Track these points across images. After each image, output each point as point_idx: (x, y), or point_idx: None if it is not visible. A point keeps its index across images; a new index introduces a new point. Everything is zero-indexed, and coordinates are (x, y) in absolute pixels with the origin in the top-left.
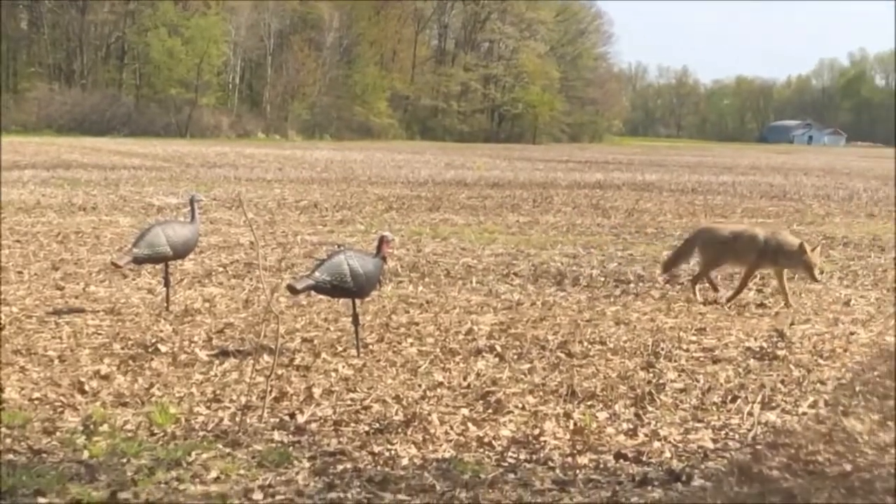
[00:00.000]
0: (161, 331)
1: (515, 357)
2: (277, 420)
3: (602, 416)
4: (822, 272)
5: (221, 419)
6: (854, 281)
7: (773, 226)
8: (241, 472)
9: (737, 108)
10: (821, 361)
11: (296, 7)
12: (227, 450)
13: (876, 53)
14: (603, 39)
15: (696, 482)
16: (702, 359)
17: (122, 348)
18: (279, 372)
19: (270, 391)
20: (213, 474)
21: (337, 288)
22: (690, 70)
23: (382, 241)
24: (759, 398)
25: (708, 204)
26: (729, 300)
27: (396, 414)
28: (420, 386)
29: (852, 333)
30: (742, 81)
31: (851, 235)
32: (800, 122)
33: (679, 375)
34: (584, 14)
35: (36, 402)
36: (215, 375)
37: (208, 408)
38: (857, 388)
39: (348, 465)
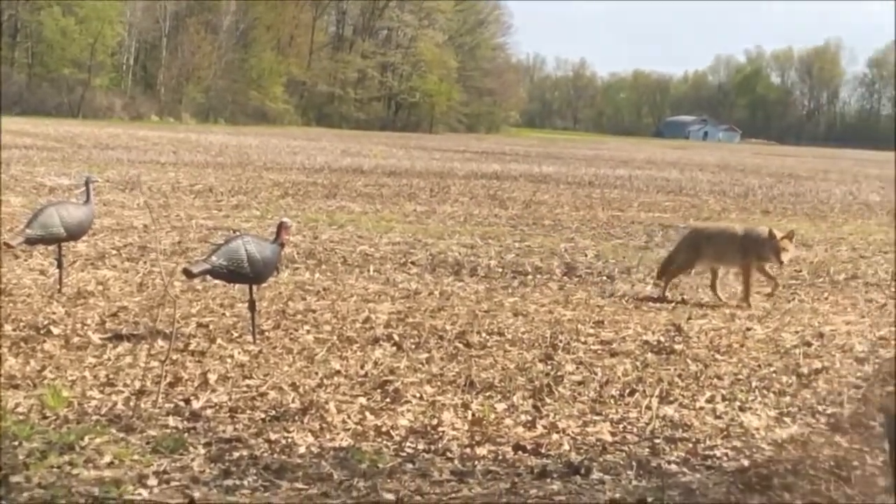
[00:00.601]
0: (53, 313)
1: (413, 346)
2: (172, 405)
3: (500, 407)
4: (790, 261)
5: (115, 403)
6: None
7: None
8: (136, 457)
9: (633, 102)
10: (718, 356)
11: None
12: (121, 435)
13: (772, 51)
14: (502, 30)
15: (595, 475)
16: (600, 352)
17: (14, 330)
18: (174, 357)
19: (165, 376)
20: (107, 459)
21: (234, 273)
22: (588, 63)
23: (281, 227)
24: (656, 392)
25: (605, 197)
26: (743, 300)
27: (293, 402)
28: (317, 374)
29: (748, 329)
30: (639, 75)
31: None
32: (696, 118)
33: (577, 368)
34: (484, 4)
35: None
36: (109, 359)
37: (102, 392)
38: (754, 384)
39: (244, 453)
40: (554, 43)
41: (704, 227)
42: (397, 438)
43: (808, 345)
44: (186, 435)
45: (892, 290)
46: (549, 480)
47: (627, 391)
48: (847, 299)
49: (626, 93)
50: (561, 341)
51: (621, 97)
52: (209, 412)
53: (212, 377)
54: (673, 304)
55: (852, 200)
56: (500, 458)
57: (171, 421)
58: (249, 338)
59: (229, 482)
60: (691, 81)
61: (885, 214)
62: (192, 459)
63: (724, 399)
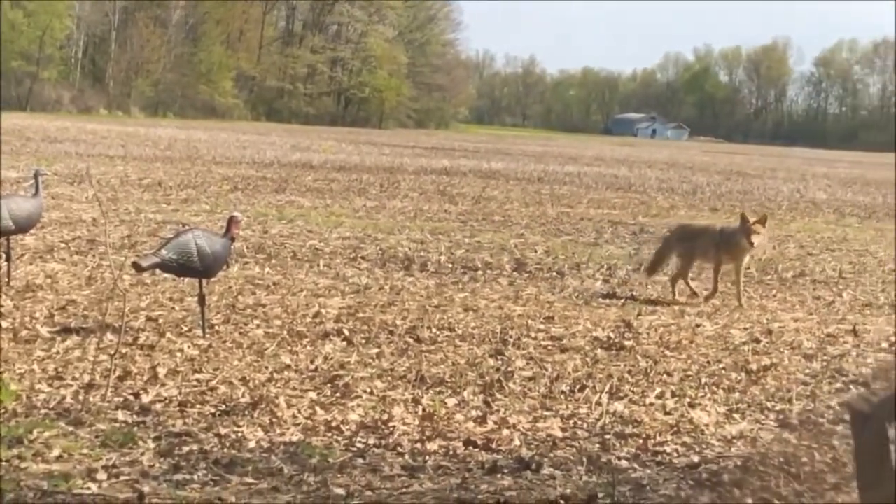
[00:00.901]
0: (1, 306)
1: (363, 341)
2: (121, 399)
3: (451, 402)
4: (759, 244)
5: (64, 397)
6: (699, 273)
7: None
8: (85, 451)
9: (582, 100)
10: (667, 352)
11: None
12: (70, 428)
13: (720, 49)
14: (452, 26)
15: (546, 470)
16: (550, 347)
17: None
18: (123, 351)
19: (114, 370)
20: (56, 453)
21: (183, 267)
22: (537, 60)
23: (231, 221)
24: (606, 388)
25: (554, 193)
26: (707, 298)
27: (243, 396)
28: (267, 368)
29: (698, 325)
30: (588, 73)
31: None
32: (644, 115)
33: (528, 363)
34: (434, 1)
35: None
36: (58, 353)
37: (50, 385)
38: (703, 381)
39: (194, 447)
40: (504, 40)
41: (690, 223)
42: (347, 433)
43: (757, 342)
44: (136, 429)
45: (840, 287)
46: (499, 476)
47: (577, 387)
48: (795, 296)
49: (575, 90)
50: (511, 337)
51: (570, 94)
52: (158, 406)
53: (161, 371)
54: (622, 301)
55: (800, 198)
56: (451, 453)
57: (121, 415)
58: (199, 332)
59: (179, 476)
60: (640, 79)
61: (832, 212)
62: (142, 454)
63: (673, 395)
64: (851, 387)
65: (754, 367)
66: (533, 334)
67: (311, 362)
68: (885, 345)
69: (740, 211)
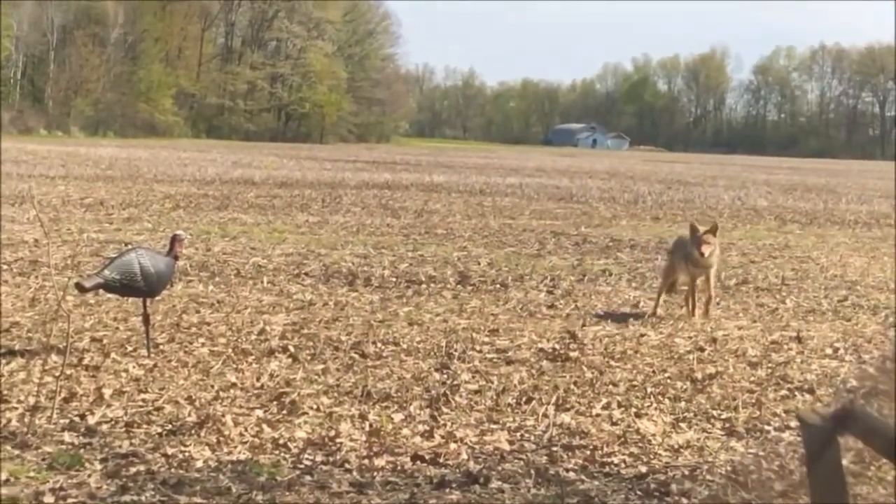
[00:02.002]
0: None
1: (309, 358)
2: (67, 421)
3: (398, 417)
4: (710, 254)
5: (9, 420)
6: (642, 283)
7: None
8: (31, 474)
9: (522, 111)
10: (612, 363)
11: (80, 2)
12: (16, 451)
13: (659, 59)
14: (391, 40)
15: (494, 484)
16: (495, 360)
17: None
18: (68, 372)
19: (59, 391)
20: (2, 476)
21: (127, 287)
22: (477, 72)
23: (175, 239)
24: (553, 400)
25: (496, 205)
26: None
27: (189, 415)
28: (213, 387)
29: (642, 335)
30: (528, 84)
31: (638, 238)
32: (584, 126)
33: (473, 377)
34: (373, 14)
35: None
36: (2, 375)
37: None
38: (649, 390)
39: (141, 468)
40: (443, 53)
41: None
42: (295, 450)
43: (702, 350)
44: (82, 451)
45: (783, 293)
46: (447, 490)
47: (524, 399)
48: (738, 304)
49: (515, 101)
50: (456, 350)
51: (510, 106)
52: (105, 427)
53: (107, 392)
54: (566, 312)
55: (741, 206)
56: (399, 468)
57: (67, 437)
58: (144, 351)
59: (127, 498)
60: (579, 90)
61: (774, 219)
62: (89, 475)
63: (620, 405)
64: (797, 394)
65: (699, 375)
66: (478, 347)
67: (257, 380)
68: (828, 351)
69: (690, 221)
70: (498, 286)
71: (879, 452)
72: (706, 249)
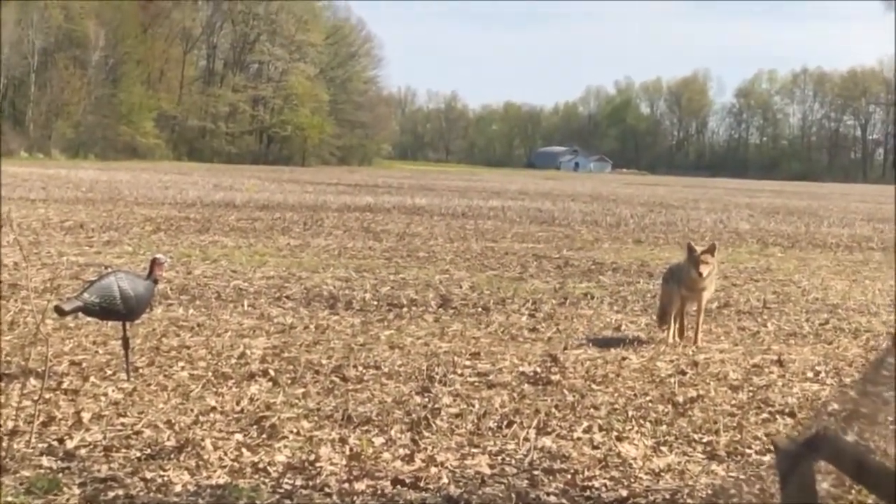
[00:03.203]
0: None
1: (289, 381)
2: (46, 445)
3: (378, 441)
4: (708, 274)
5: None
6: (624, 306)
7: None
8: (9, 499)
9: (505, 134)
10: (594, 386)
11: (61, 24)
12: None
13: (641, 82)
14: (373, 63)
15: None
16: (477, 384)
17: None
18: (47, 396)
19: (38, 415)
20: None
21: (106, 310)
22: (459, 95)
23: (154, 263)
24: (534, 423)
25: (479, 228)
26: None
27: (168, 439)
28: (192, 411)
29: (624, 358)
30: (510, 107)
31: (620, 261)
32: (567, 149)
33: (454, 400)
34: (355, 37)
35: None
36: None
37: None
38: (630, 413)
39: (120, 492)
40: (425, 76)
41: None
42: (275, 475)
43: (683, 373)
44: (61, 475)
45: (764, 317)
46: None
47: (505, 423)
48: (720, 327)
49: (498, 124)
50: (437, 374)
51: (493, 129)
52: (83, 451)
53: (86, 416)
54: (548, 335)
55: (723, 229)
56: (379, 492)
57: (45, 461)
58: (123, 375)
59: None
60: (562, 113)
61: (756, 242)
62: (67, 500)
63: (601, 429)
64: (778, 417)
65: (681, 399)
66: (459, 371)
67: (237, 403)
68: (810, 374)
69: (688, 241)
70: (480, 309)
71: (850, 476)
72: (704, 269)
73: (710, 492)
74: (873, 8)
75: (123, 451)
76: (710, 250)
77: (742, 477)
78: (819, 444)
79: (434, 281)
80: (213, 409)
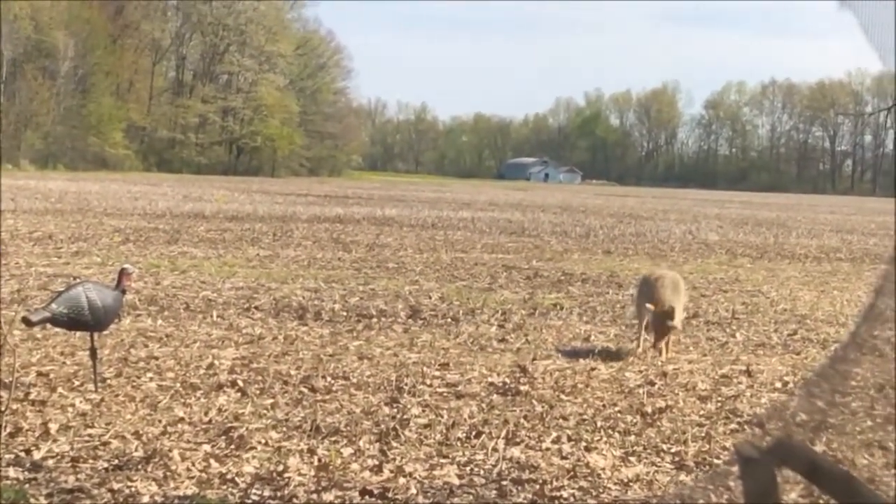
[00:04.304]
0: None
1: (258, 392)
2: (13, 456)
3: (347, 451)
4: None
5: None
6: (593, 317)
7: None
8: None
9: (475, 145)
10: (563, 397)
11: (30, 35)
12: None
13: (611, 94)
14: (343, 74)
15: None
16: (445, 394)
17: None
18: (14, 407)
19: (5, 427)
20: None
21: (74, 321)
22: (429, 106)
23: (122, 273)
24: (503, 434)
25: (448, 239)
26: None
27: (136, 450)
28: (160, 421)
29: (593, 369)
30: (480, 119)
31: (589, 272)
32: (537, 160)
33: (423, 411)
34: (325, 48)
35: None
36: None
37: None
38: (599, 424)
39: (87, 503)
40: (395, 87)
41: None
42: (243, 486)
43: (652, 384)
44: (28, 486)
45: (733, 327)
46: None
47: (474, 433)
48: (689, 338)
49: (468, 136)
50: (406, 384)
51: (463, 140)
52: (51, 462)
53: (53, 427)
54: (517, 346)
55: (692, 240)
56: (347, 503)
57: (12, 472)
58: (91, 386)
59: None
60: (532, 124)
61: (724, 253)
62: None
63: (570, 439)
64: (746, 427)
65: (649, 409)
66: (428, 381)
67: (205, 414)
68: (778, 385)
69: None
70: (449, 320)
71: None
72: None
73: (678, 501)
74: (842, 21)
75: (91, 461)
76: (669, 314)
77: (710, 487)
78: (782, 451)
79: (403, 292)
80: (181, 419)
